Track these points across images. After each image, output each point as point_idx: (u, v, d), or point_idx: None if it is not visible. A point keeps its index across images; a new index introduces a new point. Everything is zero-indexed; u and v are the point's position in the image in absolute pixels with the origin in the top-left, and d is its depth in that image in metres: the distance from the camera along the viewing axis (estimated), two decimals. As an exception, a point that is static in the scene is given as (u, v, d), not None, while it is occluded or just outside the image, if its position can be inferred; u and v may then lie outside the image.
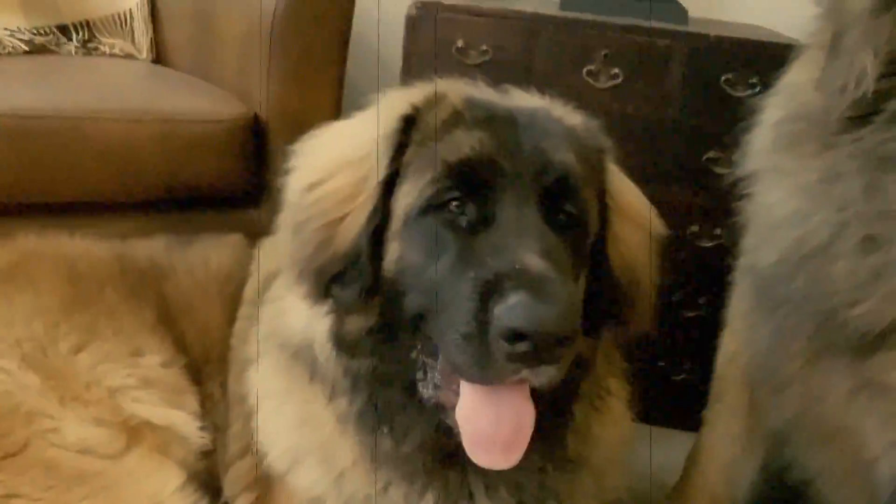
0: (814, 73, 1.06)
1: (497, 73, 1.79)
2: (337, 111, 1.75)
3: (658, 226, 1.15)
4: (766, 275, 1.10)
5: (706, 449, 1.38)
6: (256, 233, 1.42)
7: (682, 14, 1.86)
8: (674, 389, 1.96)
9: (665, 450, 1.59)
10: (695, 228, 1.83)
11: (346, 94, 2.00)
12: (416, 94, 1.04)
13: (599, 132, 1.13)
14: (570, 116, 1.09)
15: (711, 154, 1.77)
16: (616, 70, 1.77)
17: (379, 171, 0.99)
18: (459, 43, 1.78)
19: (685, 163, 1.79)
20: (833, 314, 0.97)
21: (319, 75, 1.71)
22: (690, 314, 1.90)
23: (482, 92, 1.08)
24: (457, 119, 0.98)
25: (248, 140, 1.70)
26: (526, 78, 1.78)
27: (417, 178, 0.97)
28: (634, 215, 1.11)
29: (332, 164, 1.02)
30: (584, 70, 1.77)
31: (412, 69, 1.82)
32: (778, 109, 1.14)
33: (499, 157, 0.95)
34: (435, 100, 1.01)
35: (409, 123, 1.00)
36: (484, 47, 1.78)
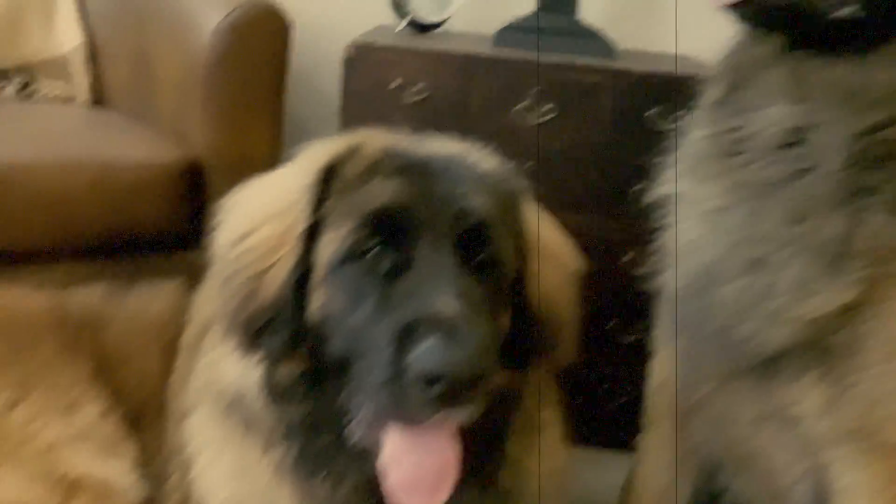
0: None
1: (433, 111, 1.84)
2: (276, 152, 1.78)
3: (576, 261, 1.19)
4: (674, 300, 1.15)
5: (640, 477, 1.42)
6: (197, 275, 1.43)
7: (609, 50, 1.92)
8: (616, 413, 2.01)
9: (611, 472, 1.62)
10: (628, 257, 1.88)
11: (289, 133, 2.04)
12: (336, 145, 1.07)
13: (515, 175, 1.17)
14: (486, 161, 1.13)
15: (641, 186, 1.82)
16: (548, 106, 1.82)
17: (301, 223, 1.01)
18: (396, 82, 1.82)
19: (616, 194, 1.84)
20: (728, 337, 1.02)
21: (257, 117, 1.74)
22: (627, 339, 1.95)
23: (401, 140, 1.12)
24: (374, 169, 1.02)
25: (187, 184, 1.71)
26: (461, 115, 1.85)
27: (338, 227, 1.00)
28: (552, 253, 1.15)
29: (257, 217, 1.05)
30: (517, 107, 1.82)
31: (351, 108, 1.85)
32: (683, 139, 1.20)
33: (414, 206, 0.99)
34: (353, 151, 1.04)
35: (328, 175, 1.03)
36: (420, 86, 1.82)
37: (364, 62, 1.81)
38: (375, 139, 1.09)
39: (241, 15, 1.67)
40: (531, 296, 1.11)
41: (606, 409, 2.00)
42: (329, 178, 1.03)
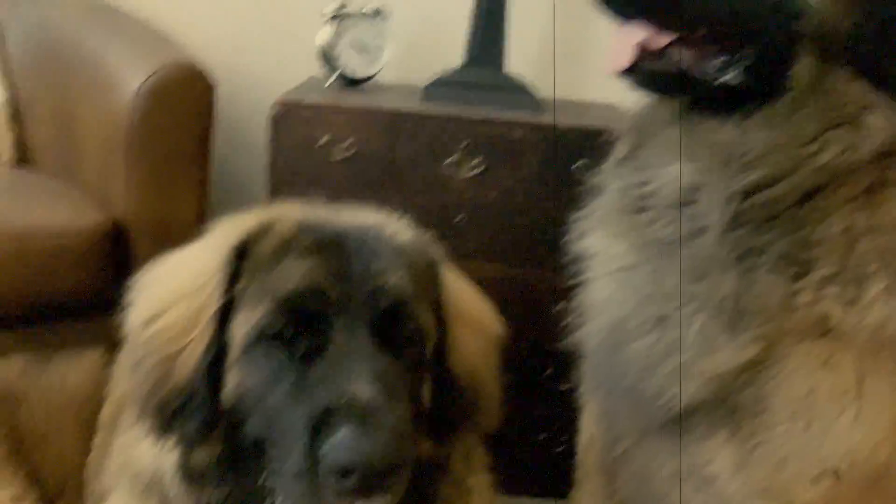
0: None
1: (362, 167, 1.84)
2: (202, 214, 1.75)
3: (497, 326, 1.19)
4: (590, 356, 1.16)
5: (574, 530, 1.42)
6: (120, 341, 1.40)
7: (537, 104, 1.94)
8: (555, 461, 2.01)
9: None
10: (561, 306, 1.89)
11: (218, 192, 2.02)
12: (249, 221, 1.06)
13: (432, 245, 1.17)
14: (403, 232, 1.12)
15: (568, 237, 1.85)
16: (476, 161, 1.83)
17: (213, 304, 1.00)
18: (324, 139, 1.82)
19: (547, 246, 1.86)
20: (640, 393, 1.04)
21: (181, 179, 1.71)
22: (564, 387, 1.95)
23: (316, 213, 1.10)
24: (287, 248, 1.00)
25: (111, 247, 1.67)
26: (390, 170, 1.85)
27: (250, 309, 0.98)
28: (472, 321, 1.15)
29: (168, 297, 1.02)
30: (446, 161, 1.83)
31: (279, 165, 1.84)
32: (597, 194, 1.22)
33: (328, 287, 0.97)
34: (266, 228, 1.03)
35: (240, 253, 1.02)
36: (348, 143, 1.82)
37: (291, 119, 1.81)
38: (289, 214, 1.08)
39: (164, 77, 1.65)
40: (453, 365, 1.11)
41: (544, 458, 2.00)
42: (242, 257, 1.01)
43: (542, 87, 2.08)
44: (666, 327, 1.01)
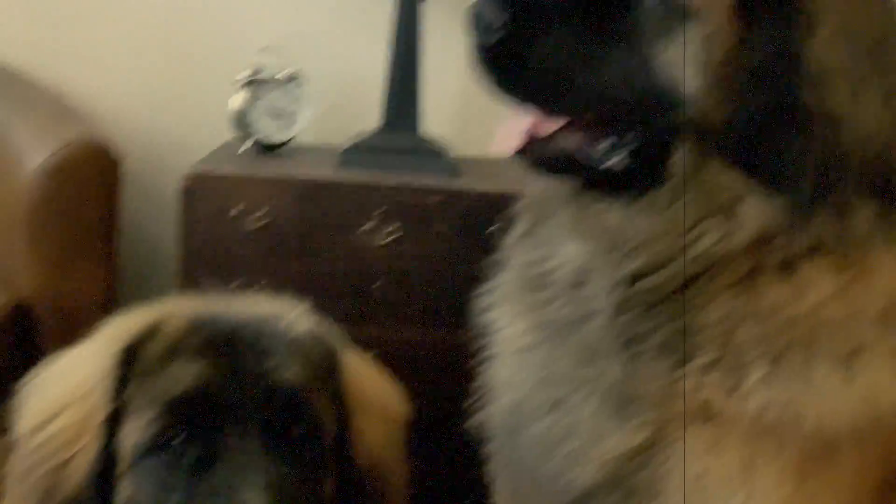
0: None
1: (276, 236, 1.83)
2: (110, 291, 1.71)
3: (402, 411, 1.18)
4: (495, 436, 1.16)
5: None
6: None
7: (453, 168, 1.96)
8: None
9: None
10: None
11: (129, 268, 1.98)
12: (136, 322, 1.02)
13: (332, 332, 1.15)
14: (300, 322, 1.10)
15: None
16: (392, 227, 1.83)
17: (101, 411, 0.96)
18: (236, 210, 1.80)
19: (464, 310, 1.86)
20: (540, 476, 1.04)
21: (87, 257, 1.67)
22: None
23: (208, 307, 1.08)
24: (175, 349, 0.97)
25: (15, 329, 1.63)
26: (305, 239, 1.84)
27: (139, 416, 0.95)
28: (376, 409, 1.13)
29: (55, 404, 0.98)
30: (362, 229, 1.83)
31: (191, 238, 1.82)
32: (503, 267, 1.22)
33: (219, 390, 0.95)
34: (154, 329, 1.00)
35: (128, 357, 0.99)
36: (261, 213, 1.80)
37: (202, 191, 1.79)
38: (179, 311, 1.05)
39: (67, 154, 1.62)
40: (357, 456, 1.09)
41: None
42: (130, 361, 0.99)
43: (459, 144, 2.10)
44: (561, 411, 1.01)
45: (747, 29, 0.90)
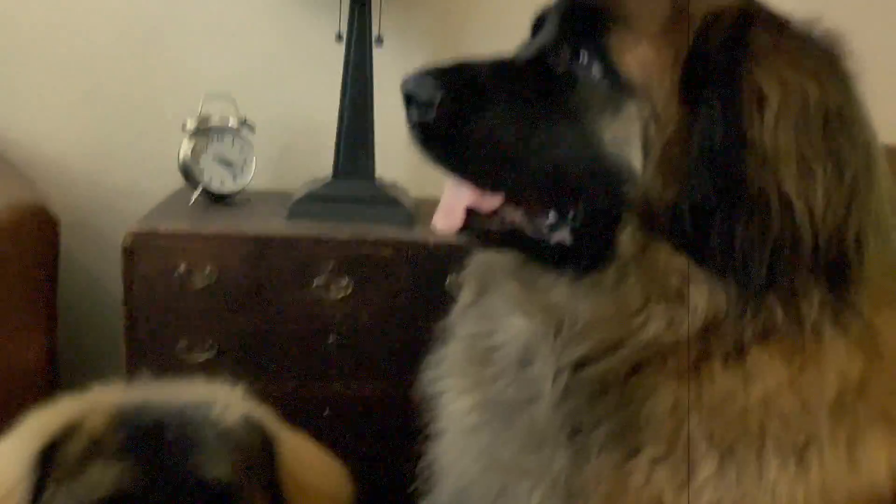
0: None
1: (225, 293, 1.77)
2: (52, 354, 1.65)
3: (346, 491, 1.12)
4: None
5: None
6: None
7: (409, 218, 1.91)
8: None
9: None
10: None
11: (74, 329, 1.91)
12: (56, 419, 0.96)
13: (267, 417, 1.09)
14: (233, 409, 1.04)
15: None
16: (345, 281, 1.78)
17: (17, 517, 0.90)
18: (182, 268, 1.74)
19: (422, 366, 1.81)
20: None
21: (25, 320, 1.61)
22: None
23: (134, 398, 1.02)
24: (96, 449, 0.91)
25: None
26: (256, 295, 1.77)
27: (58, 523, 0.90)
28: (316, 493, 1.08)
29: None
30: (314, 283, 1.77)
31: (135, 299, 1.75)
32: (449, 336, 1.17)
33: (142, 492, 0.89)
34: (74, 428, 0.94)
35: (47, 458, 0.93)
36: (208, 270, 1.74)
37: (145, 250, 1.72)
38: (102, 404, 0.98)
39: (3, 218, 1.55)
40: None
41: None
42: (48, 462, 0.93)
43: (416, 188, 2.06)
44: (506, 500, 0.97)
45: (693, 108, 0.86)
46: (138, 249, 1.72)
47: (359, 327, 1.80)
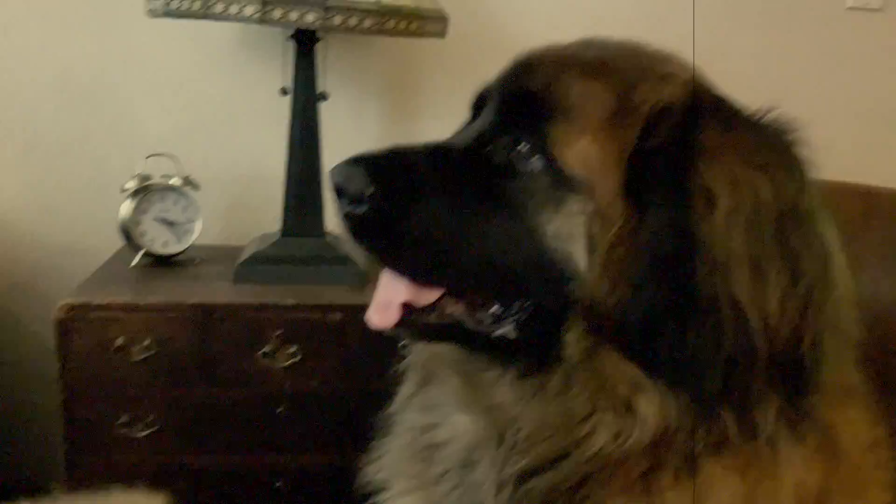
0: None
1: (166, 365, 1.68)
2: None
3: None
4: None
5: None
6: None
7: (362, 277, 1.84)
8: None
9: None
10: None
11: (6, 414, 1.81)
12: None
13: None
14: None
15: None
16: (293, 348, 1.70)
17: None
18: (119, 341, 1.65)
19: (374, 434, 1.74)
20: None
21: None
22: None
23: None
24: None
25: None
26: (199, 366, 1.69)
27: None
28: None
29: None
30: (260, 352, 1.69)
31: (72, 373, 1.66)
32: (390, 427, 1.11)
33: None
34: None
35: None
36: (147, 342, 1.66)
37: (80, 322, 1.63)
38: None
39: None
40: None
41: None
42: None
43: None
44: None
45: (640, 208, 0.81)
46: (72, 322, 1.63)
47: (307, 396, 1.72)
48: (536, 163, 0.85)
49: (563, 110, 0.84)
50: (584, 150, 0.83)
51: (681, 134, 0.81)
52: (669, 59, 0.91)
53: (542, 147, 0.85)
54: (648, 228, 0.79)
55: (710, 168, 0.79)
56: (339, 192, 0.88)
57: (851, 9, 2.31)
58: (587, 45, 0.93)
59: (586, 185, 0.82)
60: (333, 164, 0.89)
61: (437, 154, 0.92)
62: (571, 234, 0.83)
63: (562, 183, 0.83)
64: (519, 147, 0.87)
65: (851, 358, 0.86)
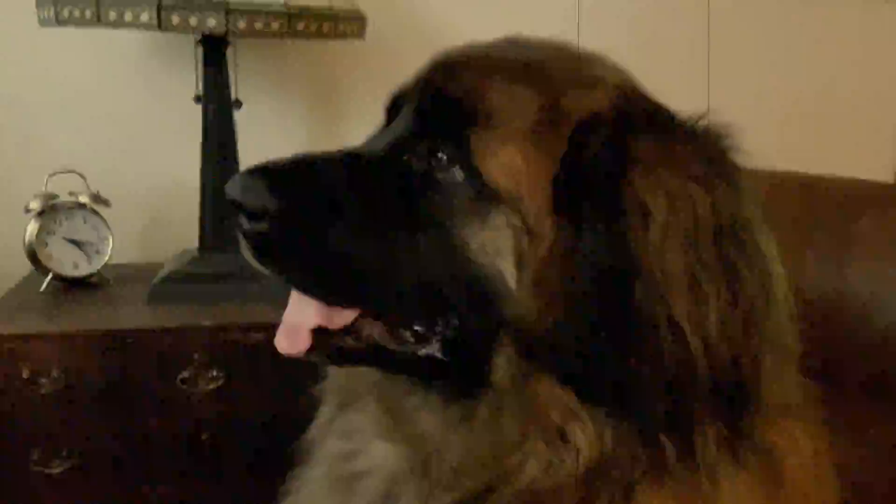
0: None
1: (79, 396, 1.58)
2: None
3: None
4: None
5: None
6: None
7: (286, 293, 1.75)
8: None
9: None
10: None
11: None
12: None
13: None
14: None
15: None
16: (214, 372, 1.61)
17: None
18: (25, 373, 1.54)
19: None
20: None
21: None
22: None
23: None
24: None
25: None
26: (114, 396, 1.58)
27: None
28: None
29: None
30: (180, 377, 1.60)
31: (-23, 411, 1.55)
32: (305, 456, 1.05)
33: None
34: None
35: None
36: (56, 373, 1.55)
37: (-21, 353, 1.53)
38: None
39: None
40: None
41: None
42: None
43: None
44: None
45: (571, 224, 0.75)
46: (-29, 356, 1.52)
47: (233, 421, 1.63)
48: (457, 173, 0.79)
49: (485, 116, 0.78)
50: (508, 161, 0.77)
51: (613, 144, 0.75)
52: (598, 61, 0.86)
53: (463, 156, 0.78)
54: (583, 246, 0.74)
55: (643, 181, 0.73)
56: (238, 207, 0.81)
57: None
58: (511, 44, 0.87)
59: (512, 198, 0.76)
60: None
61: (348, 163, 0.85)
62: (498, 250, 0.77)
63: (485, 195, 0.77)
64: (438, 155, 0.80)
65: (792, 373, 0.82)
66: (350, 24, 1.75)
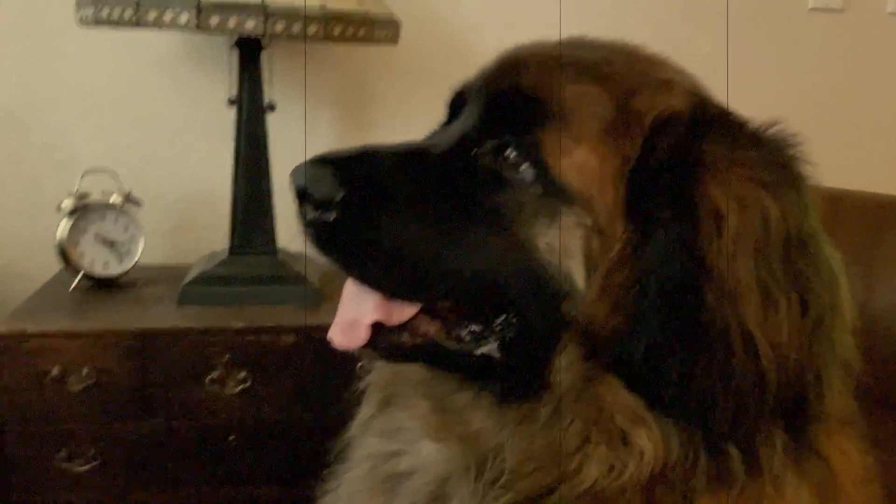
0: None
1: (107, 395, 1.57)
2: None
3: None
4: None
5: None
6: None
7: (316, 295, 1.74)
8: None
9: None
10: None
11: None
12: None
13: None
14: None
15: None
16: (243, 374, 1.60)
17: None
18: (55, 372, 1.54)
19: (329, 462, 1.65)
20: None
21: None
22: None
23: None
24: None
25: None
26: (142, 396, 1.58)
27: None
28: None
29: None
30: (208, 379, 1.59)
31: (8, 406, 1.55)
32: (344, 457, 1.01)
33: None
34: None
35: None
36: (86, 372, 1.55)
37: (12, 353, 1.52)
38: None
39: None
40: None
41: None
42: None
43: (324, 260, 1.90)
44: None
45: (642, 226, 0.74)
46: (4, 353, 1.52)
47: (260, 424, 1.62)
48: (527, 171, 0.77)
49: (557, 115, 0.77)
50: (581, 161, 0.76)
51: (686, 147, 0.74)
52: (667, 64, 0.85)
53: (533, 154, 0.77)
54: (652, 249, 0.72)
55: (717, 186, 0.72)
56: (303, 196, 0.79)
57: (813, 10, 2.30)
58: (578, 44, 0.86)
59: (583, 198, 0.75)
60: (286, 176, 0.80)
61: (413, 156, 0.83)
62: (567, 249, 0.76)
63: (556, 194, 0.76)
64: (507, 153, 0.79)
65: (850, 387, 0.80)
66: (384, 30, 1.74)
